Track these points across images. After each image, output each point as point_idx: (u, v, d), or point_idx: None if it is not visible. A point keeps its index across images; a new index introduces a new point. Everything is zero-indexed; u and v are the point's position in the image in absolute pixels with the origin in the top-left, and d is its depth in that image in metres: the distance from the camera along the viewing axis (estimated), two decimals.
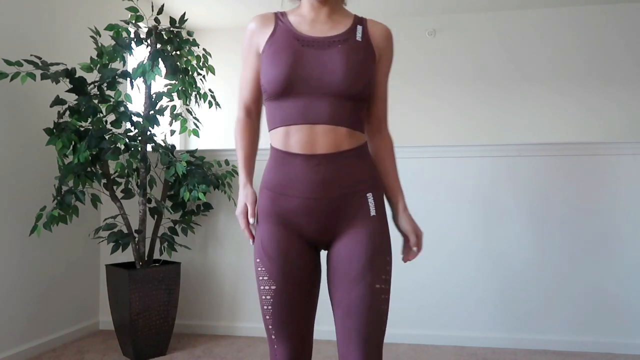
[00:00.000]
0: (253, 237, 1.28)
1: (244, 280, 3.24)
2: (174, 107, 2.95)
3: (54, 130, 2.56)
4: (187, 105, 2.95)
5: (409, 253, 1.33)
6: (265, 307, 1.25)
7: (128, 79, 2.72)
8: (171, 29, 2.86)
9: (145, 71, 2.70)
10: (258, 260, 1.26)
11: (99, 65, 2.68)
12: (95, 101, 2.65)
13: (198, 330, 3.26)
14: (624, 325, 2.85)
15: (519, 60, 4.74)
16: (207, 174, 2.93)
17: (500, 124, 4.72)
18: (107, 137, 2.63)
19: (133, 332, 2.67)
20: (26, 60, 2.47)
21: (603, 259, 2.89)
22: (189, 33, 2.97)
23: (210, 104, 3.12)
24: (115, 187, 2.84)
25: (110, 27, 2.73)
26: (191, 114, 3.05)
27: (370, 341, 1.18)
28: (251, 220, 1.26)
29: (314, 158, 1.20)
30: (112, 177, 2.81)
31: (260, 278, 1.25)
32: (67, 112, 2.66)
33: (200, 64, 3.02)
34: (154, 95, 2.83)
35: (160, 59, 2.77)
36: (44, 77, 2.42)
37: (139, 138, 2.79)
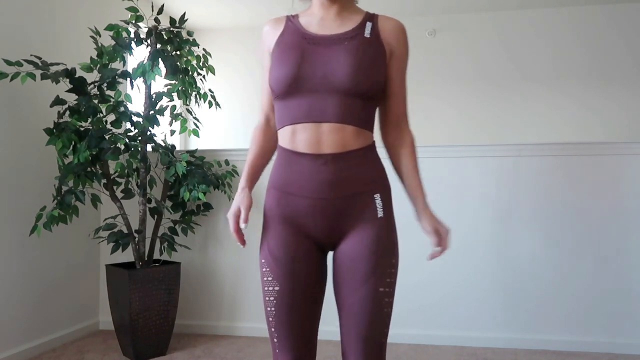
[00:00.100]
0: (242, 242, 1.24)
1: (244, 280, 3.24)
2: (174, 107, 2.95)
3: (54, 130, 2.56)
4: (187, 105, 2.95)
5: (433, 251, 1.27)
6: (268, 309, 1.23)
7: (128, 79, 2.72)
8: (171, 29, 2.86)
9: (145, 71, 2.70)
10: (263, 260, 1.24)
11: (99, 65, 2.68)
12: (95, 101, 2.65)
13: (198, 330, 3.26)
14: (624, 325, 2.85)
15: (519, 60, 4.74)
16: (207, 174, 2.93)
17: (500, 124, 4.72)
18: (107, 137, 2.63)
19: (133, 332, 2.67)
20: (26, 60, 2.47)
21: (603, 259, 2.89)
22: (189, 33, 2.97)
23: (210, 104, 3.12)
24: (115, 187, 2.84)
25: (110, 27, 2.73)
26: (191, 114, 3.05)
27: (372, 343, 1.18)
28: (242, 226, 1.21)
29: (321, 157, 1.19)
30: (112, 177, 2.81)
31: (265, 279, 1.23)
32: (67, 112, 2.66)
33: (200, 64, 3.02)
34: (154, 95, 2.84)
35: (160, 59, 2.77)
36: (44, 77, 2.42)
37: (139, 138, 2.79)
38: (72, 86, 2.60)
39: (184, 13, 2.94)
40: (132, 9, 2.77)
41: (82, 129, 2.64)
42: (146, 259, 2.86)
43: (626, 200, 2.88)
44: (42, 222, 2.58)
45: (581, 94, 4.61)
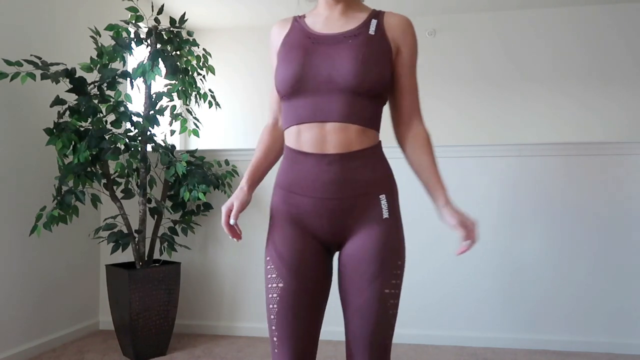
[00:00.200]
0: (235, 236, 1.25)
1: (244, 280, 3.24)
2: (174, 107, 2.96)
3: (54, 130, 2.56)
4: (187, 105, 2.95)
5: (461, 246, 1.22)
6: (270, 306, 1.21)
7: (128, 79, 2.72)
8: (171, 29, 2.86)
9: (145, 71, 2.70)
10: (268, 258, 1.24)
11: (99, 65, 2.68)
12: (95, 101, 2.65)
13: (198, 330, 3.26)
14: (624, 325, 2.85)
15: (519, 60, 4.74)
16: (207, 174, 2.93)
17: (501, 124, 4.72)
18: (107, 137, 2.63)
19: (133, 332, 2.67)
20: (26, 60, 2.47)
21: (603, 259, 2.89)
22: (189, 33, 2.97)
23: (210, 104, 3.12)
24: (115, 187, 2.84)
25: (110, 27, 2.73)
26: (191, 114, 3.06)
27: (376, 345, 1.17)
28: (231, 222, 1.23)
29: (325, 157, 1.18)
30: (112, 177, 2.81)
31: (269, 276, 1.22)
32: (67, 112, 2.66)
33: (200, 64, 3.02)
34: (154, 95, 2.84)
35: (160, 59, 2.77)
36: (44, 77, 2.42)
37: (139, 138, 2.79)
38: (72, 86, 2.60)
39: (184, 13, 2.94)
40: (132, 9, 2.77)
41: (82, 129, 2.64)
42: (146, 259, 2.86)
43: (626, 200, 2.88)
44: (42, 222, 2.58)
45: (581, 94, 4.61)
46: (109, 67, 2.69)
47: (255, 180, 1.34)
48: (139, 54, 2.96)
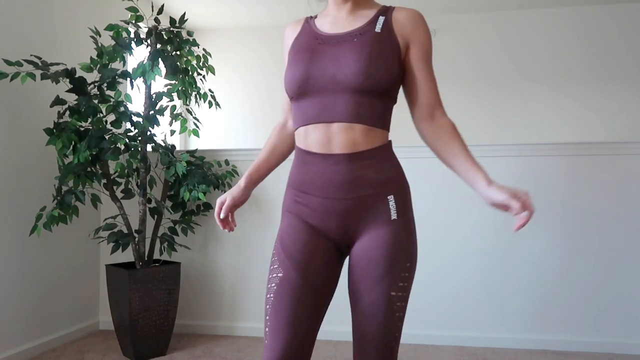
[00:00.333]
0: (226, 227, 1.36)
1: (244, 280, 3.24)
2: (174, 107, 2.96)
3: (54, 130, 2.56)
4: (187, 105, 2.95)
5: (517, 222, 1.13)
6: (267, 296, 1.19)
7: (128, 79, 2.72)
8: (171, 29, 2.86)
9: (145, 71, 2.70)
10: (274, 251, 1.24)
11: (99, 65, 2.68)
12: (95, 101, 2.65)
13: (198, 330, 3.26)
14: (624, 325, 2.85)
15: (519, 60, 4.74)
16: (207, 174, 2.93)
17: (501, 124, 4.72)
18: (107, 137, 2.63)
19: (133, 332, 2.67)
20: (26, 60, 2.47)
21: (603, 259, 2.89)
22: (189, 33, 2.97)
23: (210, 104, 3.12)
24: (115, 187, 2.84)
25: (110, 27, 2.73)
26: (191, 114, 3.06)
27: (381, 347, 1.17)
28: (222, 216, 1.33)
29: (332, 157, 1.18)
30: (112, 177, 2.81)
31: (271, 267, 1.22)
32: (67, 112, 2.66)
33: (200, 64, 3.02)
34: (154, 95, 2.84)
35: (160, 59, 2.77)
36: (44, 77, 2.42)
37: (139, 138, 2.79)
38: (72, 86, 2.60)
39: (184, 13, 2.94)
40: (132, 9, 2.77)
41: (82, 129, 2.64)
42: (146, 259, 2.86)
43: (626, 200, 2.88)
44: (42, 222, 2.58)
45: (581, 94, 4.61)
46: (109, 67, 2.69)
47: (254, 179, 1.37)
48: (139, 54, 2.96)
